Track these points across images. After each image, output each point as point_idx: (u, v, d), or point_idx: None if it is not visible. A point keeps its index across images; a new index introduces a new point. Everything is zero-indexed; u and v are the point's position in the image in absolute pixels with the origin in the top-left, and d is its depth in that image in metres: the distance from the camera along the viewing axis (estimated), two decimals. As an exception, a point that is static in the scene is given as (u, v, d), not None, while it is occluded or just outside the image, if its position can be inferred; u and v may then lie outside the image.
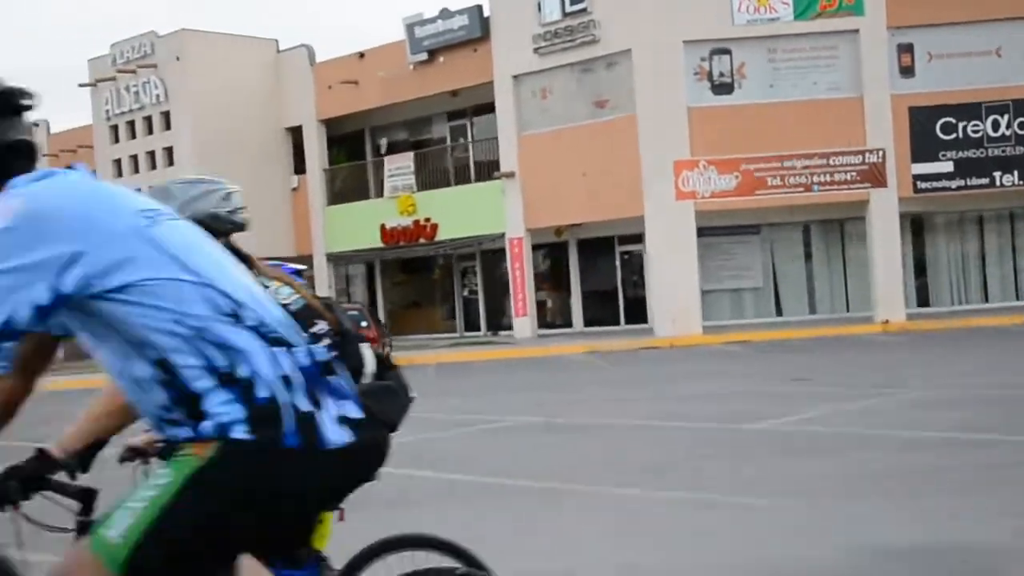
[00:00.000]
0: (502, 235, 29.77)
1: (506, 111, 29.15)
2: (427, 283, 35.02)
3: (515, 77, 28.84)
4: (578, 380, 17.81)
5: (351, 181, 35.34)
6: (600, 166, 27.03)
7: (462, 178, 32.46)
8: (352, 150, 36.38)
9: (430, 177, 32.70)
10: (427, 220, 31.69)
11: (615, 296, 30.00)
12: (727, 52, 25.94)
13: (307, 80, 34.50)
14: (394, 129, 35.59)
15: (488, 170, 31.21)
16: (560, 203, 28.04)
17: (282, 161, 35.48)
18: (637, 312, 29.13)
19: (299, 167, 35.51)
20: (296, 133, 35.33)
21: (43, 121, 44.16)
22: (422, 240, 31.98)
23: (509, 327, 31.08)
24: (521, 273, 29.41)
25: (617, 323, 29.55)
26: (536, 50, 28.17)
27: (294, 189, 35.43)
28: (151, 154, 34.90)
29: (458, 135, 33.94)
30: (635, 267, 29.60)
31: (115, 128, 35.94)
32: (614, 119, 27.06)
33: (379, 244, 32.97)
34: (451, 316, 33.77)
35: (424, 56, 31.01)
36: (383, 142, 35.69)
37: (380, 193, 34.44)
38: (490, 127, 32.41)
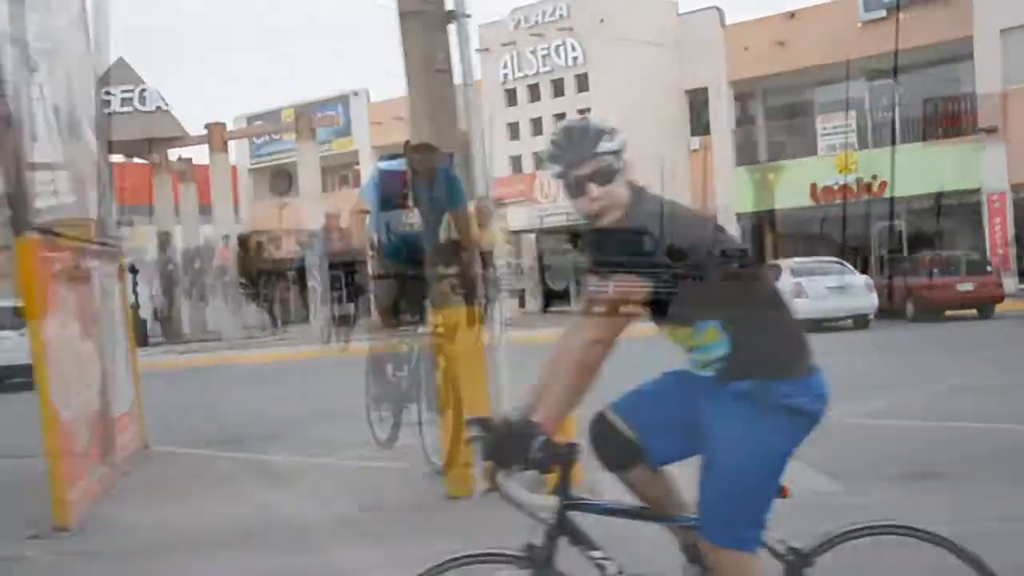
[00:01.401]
0: (975, 191, 29.70)
1: (989, 65, 29.04)
2: (820, 242, 34.99)
3: (1003, 31, 28.74)
4: None
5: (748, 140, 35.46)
6: (1115, 118, 26.90)
7: (900, 136, 32.40)
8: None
9: (864, 135, 32.71)
10: (873, 178, 31.61)
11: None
12: None
13: (716, 42, 34.52)
14: (793, 90, 35.59)
15: (934, 125, 31.16)
16: (1055, 157, 27.93)
17: (681, 123, 35.59)
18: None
19: (695, 128, 35.64)
20: (694, 95, 35.39)
21: (363, 90, 44.59)
22: (867, 198, 31.94)
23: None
24: (1003, 229, 29.34)
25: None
26: (1034, 1, 28.05)
27: (694, 151, 35.52)
28: (560, 116, 35.04)
29: (879, 96, 33.81)
30: (1118, 222, 29.47)
31: (511, 92, 36.14)
32: None
33: (807, 203, 32.96)
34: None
35: (881, 13, 30.94)
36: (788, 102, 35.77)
37: (774, 155, 34.56)
38: (922, 85, 32.36)
